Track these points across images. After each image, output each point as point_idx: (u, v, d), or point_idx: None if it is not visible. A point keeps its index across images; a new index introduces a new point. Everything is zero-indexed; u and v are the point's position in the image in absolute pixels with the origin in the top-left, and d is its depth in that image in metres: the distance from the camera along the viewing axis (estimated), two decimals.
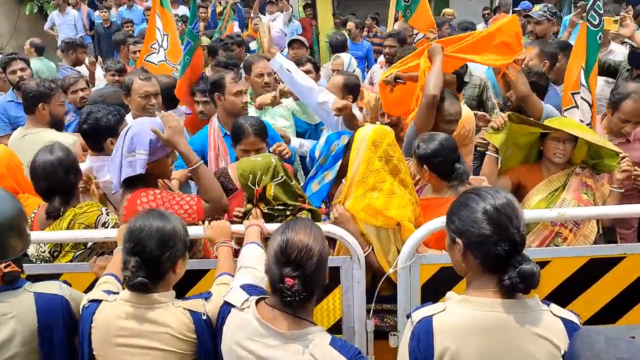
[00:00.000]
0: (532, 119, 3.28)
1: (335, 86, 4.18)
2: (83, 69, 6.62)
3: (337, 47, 7.06)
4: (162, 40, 5.22)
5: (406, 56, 3.77)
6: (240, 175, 2.67)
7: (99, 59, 9.74)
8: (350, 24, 8.61)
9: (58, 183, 2.64)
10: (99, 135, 3.06)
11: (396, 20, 6.49)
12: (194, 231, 2.39)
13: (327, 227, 2.35)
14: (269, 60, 4.12)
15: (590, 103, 3.78)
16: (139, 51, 6.44)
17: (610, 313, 2.49)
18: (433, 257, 2.46)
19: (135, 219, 2.05)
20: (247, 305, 1.85)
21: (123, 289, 2.10)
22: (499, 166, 3.27)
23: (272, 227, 2.39)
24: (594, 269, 2.45)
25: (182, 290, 2.17)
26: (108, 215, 2.66)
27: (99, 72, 6.55)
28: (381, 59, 6.39)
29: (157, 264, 1.96)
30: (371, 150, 2.52)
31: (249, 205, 2.72)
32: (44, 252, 2.59)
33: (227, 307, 1.92)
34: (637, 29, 4.55)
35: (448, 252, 1.81)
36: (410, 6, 5.97)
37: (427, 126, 3.30)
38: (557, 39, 5.97)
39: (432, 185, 2.91)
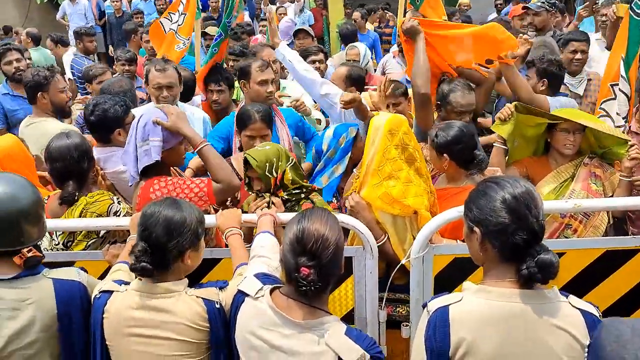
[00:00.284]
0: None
1: (338, 77, 4.17)
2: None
3: (348, 37, 7.01)
4: (179, 18, 5.22)
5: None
6: (257, 166, 2.65)
7: (110, 48, 9.77)
8: (356, 14, 8.55)
9: (72, 167, 2.68)
10: (107, 126, 3.04)
11: (406, 11, 6.43)
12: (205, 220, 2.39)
13: (340, 217, 2.32)
14: (274, 48, 4.13)
15: (629, 95, 3.69)
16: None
17: (625, 305, 2.46)
18: (446, 248, 2.44)
19: (149, 205, 2.05)
20: (262, 294, 1.85)
21: (135, 277, 2.11)
22: (506, 158, 3.25)
23: (285, 216, 2.39)
24: (610, 261, 2.42)
25: (193, 280, 2.16)
26: (119, 204, 2.67)
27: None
28: (394, 48, 6.34)
29: (162, 251, 1.96)
30: (387, 139, 2.50)
31: (267, 195, 2.71)
32: (58, 244, 2.61)
33: (241, 296, 1.91)
34: None
35: (465, 241, 1.79)
36: None
37: (428, 122, 3.29)
38: (563, 31, 5.89)
39: (448, 174, 2.88)
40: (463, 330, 1.62)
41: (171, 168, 2.78)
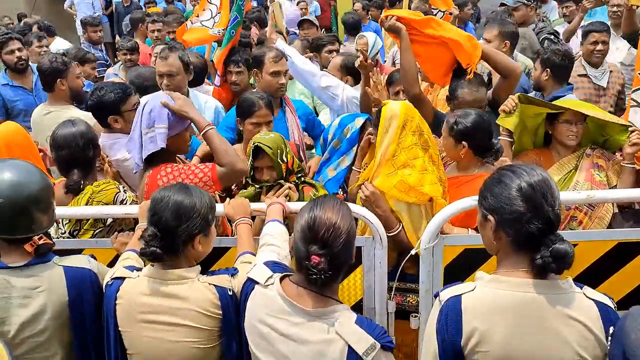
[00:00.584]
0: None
1: (334, 67, 4.19)
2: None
3: (351, 27, 6.94)
4: (215, 16, 5.21)
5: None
6: (272, 154, 2.66)
7: (117, 38, 9.76)
8: (357, 5, 8.47)
9: (77, 154, 2.69)
10: (102, 112, 3.09)
11: (411, 1, 6.39)
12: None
13: (350, 206, 2.31)
14: (288, 33, 4.13)
15: None
16: (157, 30, 6.46)
17: (638, 298, 2.44)
18: (457, 239, 2.42)
19: (159, 190, 2.05)
20: (271, 282, 1.84)
21: (145, 265, 2.10)
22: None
23: (294, 205, 2.38)
24: (623, 253, 2.39)
25: (203, 269, 2.14)
26: (125, 192, 2.68)
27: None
28: None
29: (172, 235, 1.95)
30: (403, 127, 2.50)
31: (283, 182, 2.73)
32: (64, 233, 2.61)
33: (250, 283, 1.90)
34: None
35: (479, 229, 1.77)
36: None
37: (428, 118, 3.28)
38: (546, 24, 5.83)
39: (460, 163, 2.87)
40: (475, 320, 1.60)
41: (177, 157, 2.77)
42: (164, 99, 2.58)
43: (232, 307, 1.99)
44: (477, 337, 1.59)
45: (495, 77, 3.72)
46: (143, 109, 2.58)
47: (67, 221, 2.62)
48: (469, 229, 2.58)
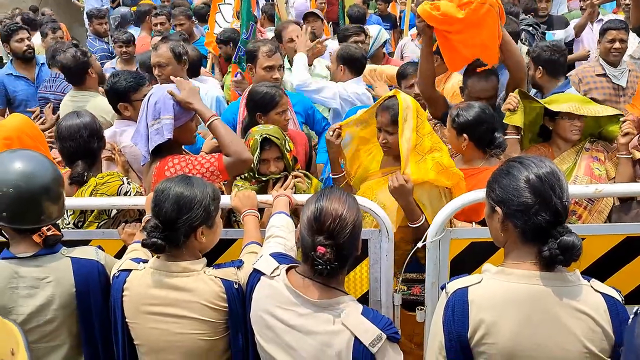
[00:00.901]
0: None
1: (333, 56, 4.16)
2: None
3: (356, 20, 6.89)
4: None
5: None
6: (281, 144, 2.68)
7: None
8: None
9: (82, 146, 2.70)
10: (113, 97, 3.20)
11: None
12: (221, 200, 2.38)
13: (357, 199, 2.32)
14: (298, 24, 4.11)
15: None
16: (160, 23, 6.47)
17: None
18: (463, 232, 2.41)
19: (162, 181, 2.06)
20: (277, 273, 1.84)
21: (152, 256, 2.11)
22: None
23: (300, 197, 2.39)
24: (630, 247, 2.38)
25: (209, 261, 2.15)
26: (129, 184, 2.68)
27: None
28: (413, 31, 6.27)
29: (172, 227, 1.95)
30: (418, 117, 2.56)
31: (299, 172, 2.77)
32: (69, 224, 2.62)
33: (256, 275, 1.90)
34: None
35: (487, 221, 1.76)
36: None
37: (438, 110, 3.32)
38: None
39: (465, 156, 2.88)
40: (482, 312, 1.60)
41: (183, 149, 2.78)
42: (170, 88, 2.58)
43: (238, 300, 1.99)
44: (483, 329, 1.59)
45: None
46: (148, 101, 2.58)
47: (72, 212, 2.63)
48: (473, 222, 2.59)
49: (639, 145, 3.04)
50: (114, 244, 2.45)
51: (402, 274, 2.43)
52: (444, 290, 1.70)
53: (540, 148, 3.19)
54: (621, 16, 6.15)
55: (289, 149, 2.72)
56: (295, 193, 2.56)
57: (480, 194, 2.24)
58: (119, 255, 2.31)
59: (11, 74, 5.00)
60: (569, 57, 3.96)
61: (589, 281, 1.63)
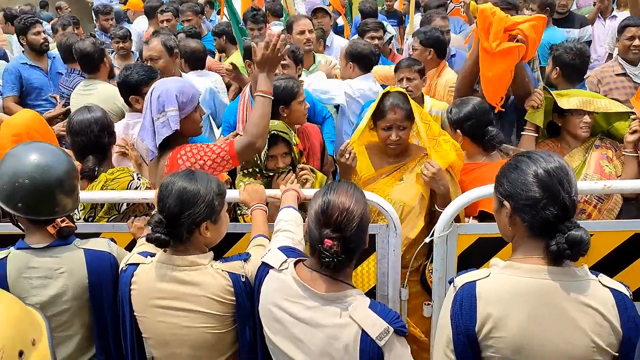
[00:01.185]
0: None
1: (341, 54, 4.17)
2: None
3: (368, 15, 6.86)
4: None
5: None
6: (289, 139, 2.71)
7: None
8: None
9: (92, 141, 2.72)
10: (125, 90, 3.27)
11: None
12: (228, 195, 2.39)
13: (365, 194, 2.32)
14: (309, 19, 4.12)
15: None
16: (166, 20, 6.50)
17: None
18: (471, 227, 2.42)
19: (166, 176, 2.06)
20: (286, 266, 1.85)
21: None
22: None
23: (308, 192, 2.39)
24: (639, 244, 2.37)
25: (216, 254, 2.17)
26: (139, 180, 2.69)
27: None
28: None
29: (176, 222, 1.96)
30: (418, 106, 2.69)
31: (306, 167, 2.80)
32: (79, 219, 2.63)
33: (265, 268, 1.91)
34: None
35: (495, 216, 1.76)
36: None
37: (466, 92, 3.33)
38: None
39: (467, 152, 2.91)
40: (490, 306, 1.60)
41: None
42: (168, 86, 2.57)
43: (245, 293, 2.00)
44: (491, 323, 1.59)
45: None
46: (151, 96, 2.58)
47: (82, 207, 2.65)
48: (471, 217, 2.61)
49: None
50: (124, 237, 2.47)
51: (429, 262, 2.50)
52: (452, 284, 1.70)
53: (549, 144, 3.18)
54: (626, 12, 6.08)
55: (295, 142, 2.73)
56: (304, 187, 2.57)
57: (486, 189, 2.25)
58: (129, 248, 2.33)
59: (26, 63, 5.16)
60: None
61: (597, 276, 1.63)
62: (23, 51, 5.35)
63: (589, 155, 3.01)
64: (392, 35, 5.67)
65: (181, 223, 1.96)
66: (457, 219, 2.37)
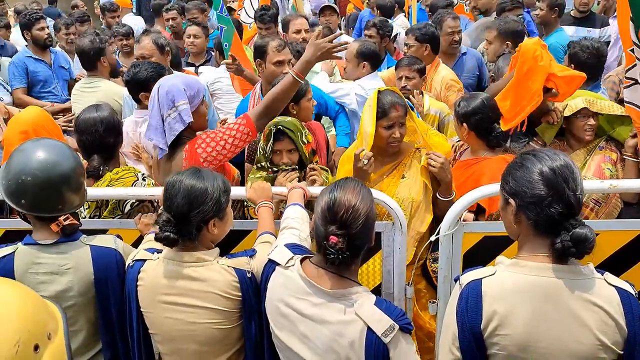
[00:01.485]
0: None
1: (350, 53, 4.13)
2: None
3: (386, 10, 6.64)
4: None
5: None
6: (294, 136, 2.72)
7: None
8: None
9: (98, 139, 2.72)
10: (135, 87, 3.30)
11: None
12: (235, 192, 2.40)
13: (371, 191, 2.33)
14: (306, 18, 4.14)
15: None
16: (172, 18, 6.52)
17: None
18: (476, 226, 2.43)
19: (172, 175, 2.07)
20: (292, 263, 1.86)
21: None
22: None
23: (314, 190, 2.40)
24: None
25: (223, 250, 2.18)
26: (144, 180, 2.68)
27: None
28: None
29: (185, 220, 1.97)
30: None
31: (317, 166, 2.82)
32: (84, 217, 2.65)
33: (271, 265, 1.92)
34: None
35: (500, 213, 1.77)
36: None
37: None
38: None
39: (471, 147, 2.94)
40: (495, 304, 1.61)
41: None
42: (171, 82, 2.58)
43: (251, 289, 2.01)
44: (496, 320, 1.60)
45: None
46: (157, 94, 2.57)
47: (87, 207, 2.66)
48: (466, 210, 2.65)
49: None
50: (131, 234, 2.49)
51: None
52: (458, 282, 1.71)
53: (553, 145, 3.18)
54: None
55: (306, 141, 2.72)
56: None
57: (492, 188, 2.25)
58: (136, 245, 2.35)
59: (30, 56, 5.28)
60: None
61: (602, 274, 1.63)
62: (26, 45, 5.50)
63: (591, 158, 3.01)
64: (397, 33, 5.66)
65: (190, 221, 1.97)
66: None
